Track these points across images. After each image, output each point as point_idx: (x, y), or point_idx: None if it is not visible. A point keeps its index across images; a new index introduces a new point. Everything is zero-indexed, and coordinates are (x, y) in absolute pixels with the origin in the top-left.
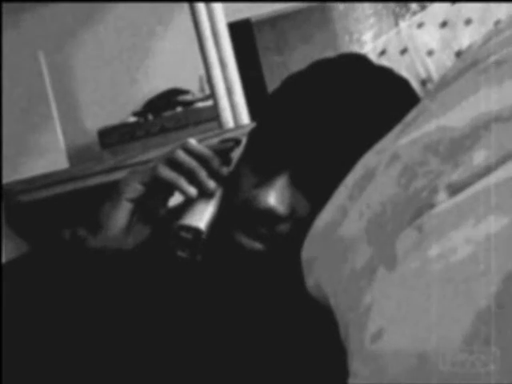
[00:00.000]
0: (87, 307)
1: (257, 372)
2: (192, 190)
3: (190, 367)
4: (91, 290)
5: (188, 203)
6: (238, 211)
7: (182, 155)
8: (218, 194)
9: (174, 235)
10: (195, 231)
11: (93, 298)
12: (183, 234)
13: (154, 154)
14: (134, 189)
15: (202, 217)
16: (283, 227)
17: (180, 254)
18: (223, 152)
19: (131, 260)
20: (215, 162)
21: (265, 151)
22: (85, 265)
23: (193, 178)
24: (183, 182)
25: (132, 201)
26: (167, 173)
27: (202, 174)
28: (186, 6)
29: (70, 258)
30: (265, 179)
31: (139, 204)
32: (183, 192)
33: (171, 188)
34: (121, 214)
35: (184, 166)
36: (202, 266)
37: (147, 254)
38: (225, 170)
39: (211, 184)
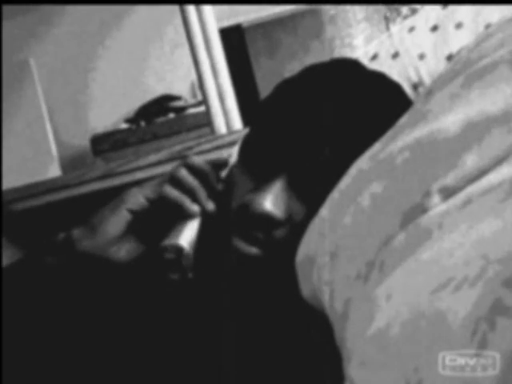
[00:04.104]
0: (77, 312)
1: (251, 378)
2: (195, 208)
3: (183, 373)
4: (80, 294)
5: (172, 224)
6: (234, 216)
7: (185, 174)
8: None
9: (159, 258)
10: (176, 249)
11: (82, 303)
12: (167, 255)
13: (146, 160)
14: (138, 201)
15: (181, 234)
16: (280, 232)
17: (172, 276)
18: (216, 166)
19: (124, 273)
20: (211, 178)
21: (260, 156)
22: (74, 269)
23: (193, 197)
24: (187, 202)
25: (132, 212)
26: (173, 192)
27: (202, 195)
28: (177, 12)
29: (59, 261)
30: (260, 184)
31: (137, 217)
32: (186, 211)
33: (173, 206)
34: (117, 221)
35: (186, 185)
36: (198, 272)
37: (141, 270)
38: (220, 187)
39: (210, 205)
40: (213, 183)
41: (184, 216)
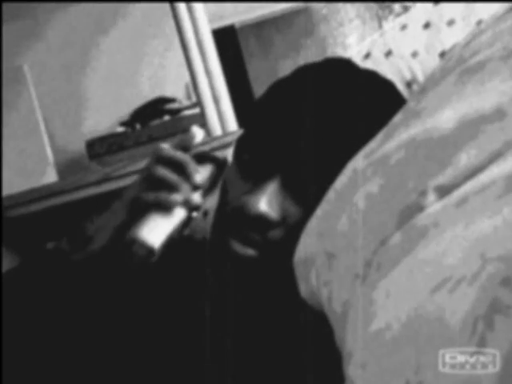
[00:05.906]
0: (69, 319)
1: (249, 380)
2: (177, 198)
3: (176, 373)
4: (72, 300)
5: (147, 213)
6: (229, 218)
7: (161, 171)
8: (180, 211)
9: (125, 246)
10: (147, 249)
11: (74, 309)
12: (135, 248)
13: (142, 164)
14: (120, 216)
15: (159, 235)
16: (276, 233)
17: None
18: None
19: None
20: (191, 167)
21: (254, 157)
22: (65, 275)
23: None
24: (168, 198)
25: (115, 228)
26: (152, 195)
27: (186, 189)
28: (169, 14)
29: (51, 269)
30: (255, 185)
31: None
32: (166, 203)
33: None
34: (104, 237)
35: (166, 181)
36: (196, 272)
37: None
38: (198, 178)
39: (197, 199)
40: (190, 172)
41: (165, 207)
